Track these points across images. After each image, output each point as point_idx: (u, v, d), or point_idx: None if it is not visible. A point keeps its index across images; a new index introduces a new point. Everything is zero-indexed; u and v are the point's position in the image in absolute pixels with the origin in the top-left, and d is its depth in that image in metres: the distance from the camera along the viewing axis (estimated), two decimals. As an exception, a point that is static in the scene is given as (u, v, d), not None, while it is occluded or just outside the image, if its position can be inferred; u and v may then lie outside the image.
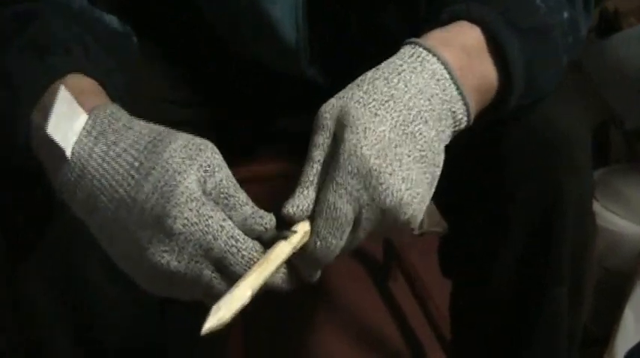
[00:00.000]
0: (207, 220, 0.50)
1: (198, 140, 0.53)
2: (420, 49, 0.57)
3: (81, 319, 0.69)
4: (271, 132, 0.95)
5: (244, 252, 0.51)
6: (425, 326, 1.32)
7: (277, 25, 0.76)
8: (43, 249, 0.65)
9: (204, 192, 0.51)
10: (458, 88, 0.57)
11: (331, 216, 0.51)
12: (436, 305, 1.28)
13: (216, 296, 0.50)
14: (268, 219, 0.53)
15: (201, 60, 0.87)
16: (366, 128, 0.52)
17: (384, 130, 0.52)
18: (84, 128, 0.54)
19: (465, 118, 0.58)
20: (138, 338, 0.73)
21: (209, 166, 0.52)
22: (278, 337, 1.37)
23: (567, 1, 0.66)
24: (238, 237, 0.51)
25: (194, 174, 0.51)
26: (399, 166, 0.52)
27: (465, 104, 0.57)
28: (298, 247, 0.52)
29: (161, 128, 0.54)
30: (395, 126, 0.53)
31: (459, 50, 0.58)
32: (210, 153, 0.52)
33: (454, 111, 0.57)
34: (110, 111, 0.56)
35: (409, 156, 0.53)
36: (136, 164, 0.52)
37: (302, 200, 0.52)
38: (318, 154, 0.54)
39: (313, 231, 0.52)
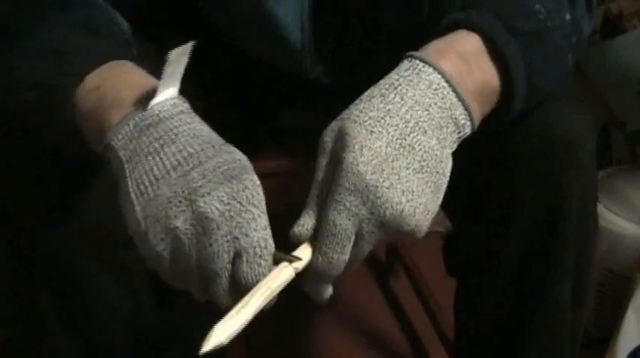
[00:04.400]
0: (261, 214, 0.52)
1: None
2: (416, 62, 0.58)
3: (80, 314, 0.70)
4: (275, 129, 0.96)
5: (262, 260, 0.51)
6: (427, 325, 1.32)
7: (282, 25, 0.76)
8: (44, 243, 0.66)
9: None
10: (457, 95, 0.57)
11: (331, 232, 0.53)
12: (438, 304, 1.29)
13: (210, 292, 0.52)
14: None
15: (204, 57, 0.87)
16: (362, 146, 0.53)
17: (380, 146, 0.53)
18: (172, 98, 0.55)
19: (469, 123, 0.58)
20: (137, 335, 0.74)
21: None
22: (279, 334, 1.37)
23: (568, 3, 0.66)
24: (270, 245, 0.52)
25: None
26: (398, 179, 0.53)
27: (467, 109, 0.58)
28: (301, 270, 0.54)
29: None
30: (392, 140, 0.54)
31: (456, 58, 0.59)
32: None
33: (455, 118, 0.57)
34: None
35: (408, 168, 0.54)
36: (217, 140, 0.54)
37: (305, 219, 0.55)
38: (319, 176, 0.55)
39: (315, 248, 0.54)
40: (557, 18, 0.64)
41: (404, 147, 0.54)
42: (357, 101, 0.57)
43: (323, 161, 0.56)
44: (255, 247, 0.51)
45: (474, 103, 0.58)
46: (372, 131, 0.54)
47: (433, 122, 0.56)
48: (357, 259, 0.55)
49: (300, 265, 0.53)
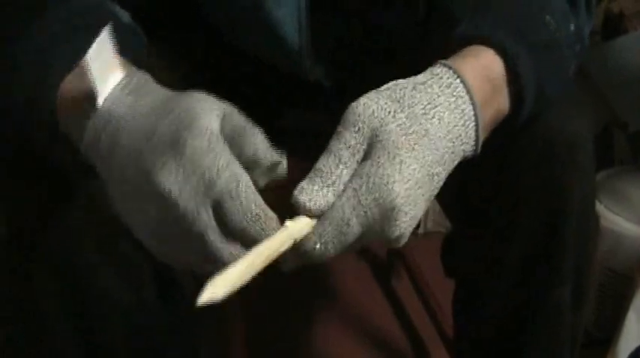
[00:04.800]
0: (216, 154, 0.50)
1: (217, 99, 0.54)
2: (457, 82, 0.57)
3: (81, 312, 0.70)
4: (275, 129, 0.96)
5: (243, 199, 0.50)
6: (428, 325, 1.32)
7: (280, 26, 0.76)
8: (44, 241, 0.66)
9: (222, 133, 0.52)
10: (476, 131, 0.58)
11: (341, 229, 0.51)
12: (439, 304, 1.29)
13: (208, 254, 0.50)
14: (278, 156, 0.53)
15: (204, 57, 0.88)
16: (402, 161, 0.52)
17: (415, 169, 0.53)
18: (119, 83, 0.55)
19: (470, 156, 0.59)
20: (139, 332, 0.74)
21: (227, 111, 0.53)
22: (281, 335, 1.38)
23: (571, 11, 0.66)
24: (241, 178, 0.50)
25: (215, 114, 0.52)
26: (414, 206, 0.53)
27: (476, 145, 0.58)
28: (299, 239, 0.52)
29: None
30: (423, 166, 0.53)
31: (487, 84, 0.59)
32: (227, 104, 0.53)
33: (464, 151, 0.58)
34: (144, 75, 0.57)
35: (424, 196, 0.54)
36: (161, 106, 0.53)
37: (320, 198, 0.52)
38: (348, 156, 0.53)
39: (317, 232, 0.52)
40: (564, 29, 0.64)
41: (429, 176, 0.54)
42: (397, 95, 0.55)
43: (353, 141, 0.53)
44: (230, 190, 0.50)
45: (483, 136, 0.59)
46: (413, 148, 0.53)
47: (453, 155, 0.56)
48: (340, 253, 0.54)
49: (298, 237, 0.52)
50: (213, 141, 0.51)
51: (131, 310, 0.72)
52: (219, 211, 0.50)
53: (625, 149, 1.47)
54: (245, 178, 0.51)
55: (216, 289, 0.47)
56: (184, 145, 0.50)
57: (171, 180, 0.50)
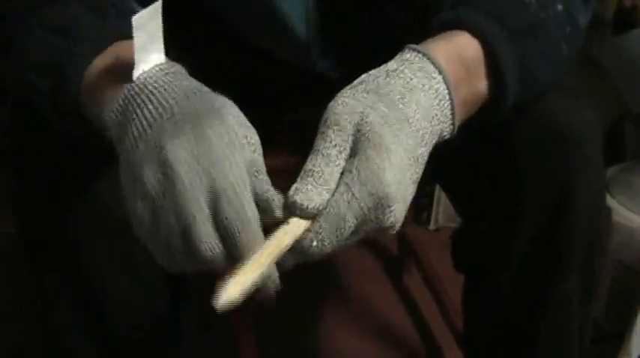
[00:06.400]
0: (235, 152, 0.50)
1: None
2: (428, 64, 0.58)
3: (92, 310, 0.70)
4: (283, 124, 0.96)
5: (243, 199, 0.50)
6: (439, 321, 1.32)
7: (287, 18, 0.77)
8: (53, 240, 0.66)
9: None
10: (452, 109, 0.58)
11: (337, 225, 0.52)
12: (451, 300, 1.29)
13: (191, 240, 0.49)
14: (281, 205, 0.52)
15: (210, 48, 0.87)
16: (389, 150, 0.52)
17: (402, 155, 0.53)
18: (158, 65, 0.55)
19: (448, 136, 0.59)
20: (149, 325, 0.74)
21: (256, 139, 0.53)
22: (291, 330, 1.38)
23: None
24: (247, 186, 0.50)
25: (246, 128, 0.53)
26: (405, 191, 0.54)
27: (453, 124, 0.59)
28: (298, 235, 0.52)
29: None
30: (408, 150, 0.54)
31: (459, 64, 0.59)
32: (258, 137, 0.54)
33: (442, 130, 0.58)
34: (182, 67, 0.57)
35: (411, 179, 0.55)
36: (197, 92, 0.54)
37: (316, 198, 0.52)
38: (336, 155, 0.53)
39: (313, 230, 0.52)
40: (549, 9, 0.64)
41: (414, 159, 0.55)
42: (373, 85, 0.56)
43: (339, 139, 0.53)
44: (233, 184, 0.49)
45: (460, 116, 0.59)
46: (396, 134, 0.53)
47: (432, 135, 0.57)
48: (338, 248, 0.54)
49: (297, 233, 0.52)
50: (237, 142, 0.51)
51: (141, 310, 0.72)
52: (214, 205, 0.50)
53: (637, 142, 1.46)
54: (250, 192, 0.51)
55: (230, 290, 0.48)
56: (210, 127, 0.50)
57: (184, 153, 0.50)
